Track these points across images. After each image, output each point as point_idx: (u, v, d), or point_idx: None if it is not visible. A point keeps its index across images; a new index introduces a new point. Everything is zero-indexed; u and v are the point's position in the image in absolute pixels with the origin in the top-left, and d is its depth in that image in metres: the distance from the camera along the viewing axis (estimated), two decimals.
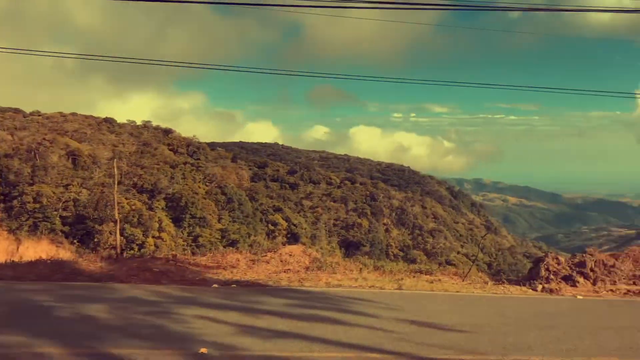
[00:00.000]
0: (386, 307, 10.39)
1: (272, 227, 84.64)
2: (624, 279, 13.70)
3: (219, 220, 76.78)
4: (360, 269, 14.52)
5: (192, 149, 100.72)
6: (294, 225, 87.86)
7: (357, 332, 8.58)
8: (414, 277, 14.07)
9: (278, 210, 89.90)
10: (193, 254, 17.00)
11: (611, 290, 12.95)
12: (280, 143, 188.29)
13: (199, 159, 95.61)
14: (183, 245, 66.05)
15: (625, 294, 12.68)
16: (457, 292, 12.51)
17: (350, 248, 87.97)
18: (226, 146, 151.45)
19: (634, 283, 13.47)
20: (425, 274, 14.51)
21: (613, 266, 14.03)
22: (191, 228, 73.30)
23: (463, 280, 13.87)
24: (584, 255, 14.73)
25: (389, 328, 8.85)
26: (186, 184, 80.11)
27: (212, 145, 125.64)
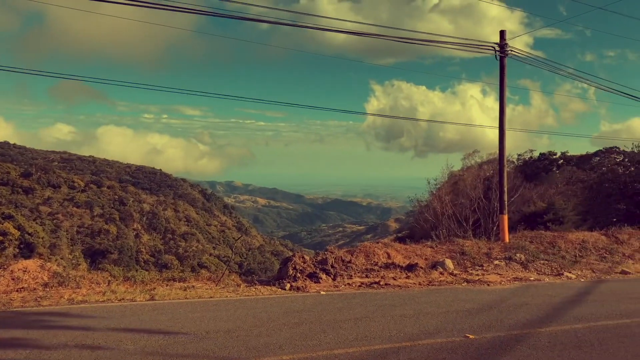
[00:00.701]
0: (138, 321, 9.88)
1: (0, 238, 74.50)
2: (358, 272, 15.42)
3: None
4: (109, 281, 13.52)
5: None
6: (29, 234, 78.79)
7: (105, 353, 7.95)
8: (167, 285, 13.67)
9: (9, 217, 79.56)
10: None
11: (348, 284, 14.43)
12: (12, 142, 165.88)
13: None
14: None
15: (359, 286, 14.25)
16: (211, 297, 12.55)
17: (96, 256, 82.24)
18: None
19: (366, 276, 15.25)
20: (179, 282, 14.22)
21: (350, 262, 15.70)
22: None
23: (217, 285, 13.96)
24: (326, 253, 16.17)
25: (141, 343, 8.42)
26: None
27: None
